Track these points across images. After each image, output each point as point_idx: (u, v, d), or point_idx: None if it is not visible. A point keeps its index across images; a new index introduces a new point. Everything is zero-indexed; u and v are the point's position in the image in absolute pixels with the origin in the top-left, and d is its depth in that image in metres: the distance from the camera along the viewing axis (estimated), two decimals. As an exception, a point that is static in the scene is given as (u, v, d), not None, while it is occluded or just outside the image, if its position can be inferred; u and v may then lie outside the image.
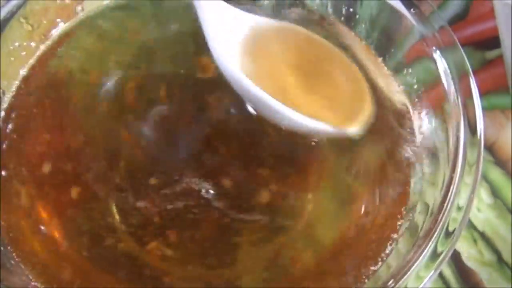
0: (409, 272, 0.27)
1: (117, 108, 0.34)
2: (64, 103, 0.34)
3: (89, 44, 0.35)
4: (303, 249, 0.31)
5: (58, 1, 0.35)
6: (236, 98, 0.32)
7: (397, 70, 0.34)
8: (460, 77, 0.30)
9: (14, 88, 0.34)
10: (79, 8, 0.36)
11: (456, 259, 0.36)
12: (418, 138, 0.32)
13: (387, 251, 0.30)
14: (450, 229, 0.27)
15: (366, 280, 0.29)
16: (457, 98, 0.30)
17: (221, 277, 0.30)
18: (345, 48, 0.34)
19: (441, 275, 0.35)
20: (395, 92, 0.33)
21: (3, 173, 0.32)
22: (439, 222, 0.28)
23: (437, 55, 0.31)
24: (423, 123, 0.32)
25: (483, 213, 0.37)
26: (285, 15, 0.35)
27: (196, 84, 0.34)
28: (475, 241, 0.36)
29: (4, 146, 0.32)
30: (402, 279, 0.27)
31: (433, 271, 0.27)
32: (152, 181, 0.31)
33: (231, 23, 0.32)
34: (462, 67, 0.31)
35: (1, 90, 0.33)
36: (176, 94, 0.34)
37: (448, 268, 0.36)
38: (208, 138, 0.33)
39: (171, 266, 0.30)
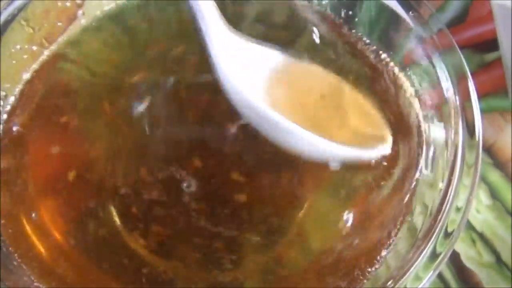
0: (408, 273, 0.27)
1: (119, 110, 0.34)
2: (67, 106, 0.34)
3: (92, 48, 0.36)
4: (301, 251, 0.31)
5: (59, 3, 0.35)
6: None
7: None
8: (459, 80, 0.31)
9: (17, 91, 0.34)
10: (80, 12, 0.36)
11: (455, 260, 0.36)
12: (417, 140, 0.33)
13: (386, 252, 0.30)
14: (449, 230, 0.28)
15: (365, 281, 0.29)
16: (456, 100, 0.30)
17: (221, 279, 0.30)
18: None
19: (440, 276, 0.36)
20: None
21: (4, 173, 0.32)
22: (438, 223, 0.28)
23: (435, 57, 0.32)
24: (421, 125, 0.33)
25: (482, 214, 0.37)
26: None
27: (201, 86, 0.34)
28: (474, 242, 0.36)
29: (6, 147, 0.33)
30: (402, 280, 0.27)
31: (432, 271, 0.27)
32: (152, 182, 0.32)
33: (246, 58, 0.31)
34: (461, 70, 0.31)
35: (4, 93, 0.33)
36: (179, 95, 0.34)
37: (447, 269, 0.36)
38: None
39: (174, 268, 0.30)
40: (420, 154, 0.32)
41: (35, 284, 0.30)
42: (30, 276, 0.30)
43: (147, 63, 0.35)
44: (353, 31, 0.35)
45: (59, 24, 0.35)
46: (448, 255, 0.27)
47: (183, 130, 0.33)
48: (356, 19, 0.35)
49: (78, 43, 0.35)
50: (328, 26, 0.35)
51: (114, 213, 0.31)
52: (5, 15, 0.33)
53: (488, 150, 0.39)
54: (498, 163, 0.39)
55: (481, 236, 0.36)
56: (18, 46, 0.34)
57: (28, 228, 0.31)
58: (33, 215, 0.31)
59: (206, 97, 0.33)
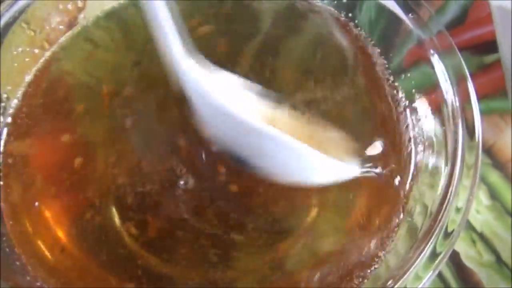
0: (408, 272, 0.27)
1: (118, 111, 0.34)
2: (68, 108, 0.34)
3: (92, 51, 0.36)
4: (302, 251, 0.31)
5: (60, 6, 0.35)
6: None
7: (395, 75, 0.34)
8: (458, 81, 0.31)
9: (19, 94, 0.34)
10: (81, 16, 0.36)
11: (455, 260, 0.36)
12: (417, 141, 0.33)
13: (386, 252, 0.30)
14: (449, 230, 0.28)
15: (365, 280, 0.29)
16: (455, 102, 0.31)
17: (220, 277, 0.31)
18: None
19: (440, 275, 0.36)
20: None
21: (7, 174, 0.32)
22: (438, 223, 0.28)
23: (435, 59, 0.32)
24: (421, 126, 0.33)
25: (481, 214, 0.37)
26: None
27: None
28: (474, 242, 0.36)
29: (8, 148, 0.33)
30: (402, 279, 0.27)
31: (432, 271, 0.27)
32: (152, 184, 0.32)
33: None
34: (460, 72, 0.31)
35: (5, 96, 0.34)
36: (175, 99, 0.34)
37: (447, 268, 0.36)
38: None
39: (175, 267, 0.31)
40: (420, 154, 0.32)
41: (38, 284, 0.30)
42: (33, 276, 0.30)
43: (147, 63, 0.35)
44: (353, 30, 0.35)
45: (60, 27, 0.36)
46: (448, 255, 0.27)
47: (183, 127, 0.33)
48: (356, 21, 0.36)
49: (79, 46, 0.36)
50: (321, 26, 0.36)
51: (115, 211, 0.31)
52: (6, 17, 0.33)
53: (488, 151, 0.39)
54: (497, 164, 0.39)
55: (481, 236, 0.36)
56: (20, 49, 0.34)
57: (29, 227, 0.31)
58: (36, 204, 0.32)
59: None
